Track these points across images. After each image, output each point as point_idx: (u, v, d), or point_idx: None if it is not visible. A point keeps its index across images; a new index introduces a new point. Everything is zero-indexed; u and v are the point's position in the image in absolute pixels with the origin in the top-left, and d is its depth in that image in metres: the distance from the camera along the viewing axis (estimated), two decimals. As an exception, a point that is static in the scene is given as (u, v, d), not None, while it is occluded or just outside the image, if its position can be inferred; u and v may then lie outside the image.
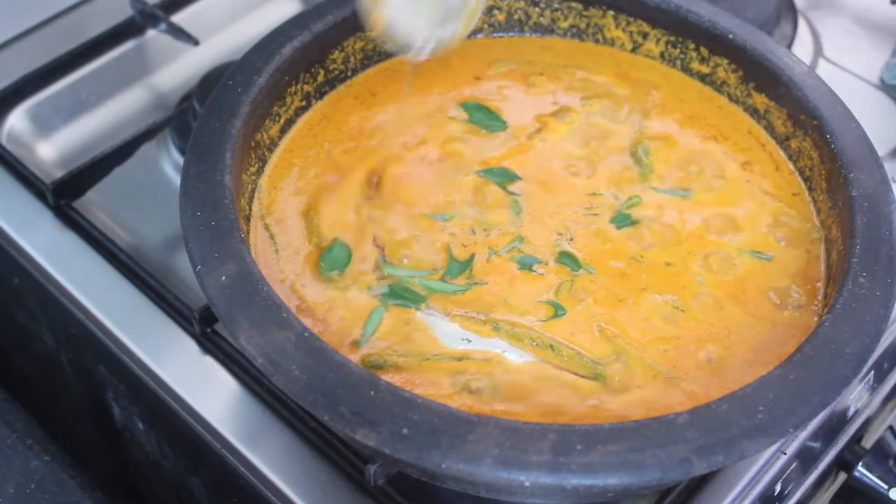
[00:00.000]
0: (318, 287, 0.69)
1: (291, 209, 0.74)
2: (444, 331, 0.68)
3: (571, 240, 0.73)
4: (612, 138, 0.80)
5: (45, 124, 0.96)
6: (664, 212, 0.75)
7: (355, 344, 0.66)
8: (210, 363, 0.77)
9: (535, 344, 0.67)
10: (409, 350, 0.66)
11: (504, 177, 0.77)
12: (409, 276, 0.70)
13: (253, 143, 0.75)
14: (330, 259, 0.71)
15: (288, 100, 0.79)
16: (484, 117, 0.81)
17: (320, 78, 0.81)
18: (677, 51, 0.84)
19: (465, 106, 0.82)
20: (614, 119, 0.81)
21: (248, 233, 0.72)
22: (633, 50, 0.86)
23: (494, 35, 0.88)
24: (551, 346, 0.67)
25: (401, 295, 0.69)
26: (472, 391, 0.64)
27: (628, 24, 0.85)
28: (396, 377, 0.64)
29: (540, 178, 0.77)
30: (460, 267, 0.71)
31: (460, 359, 0.66)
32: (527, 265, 0.71)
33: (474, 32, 0.87)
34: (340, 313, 0.68)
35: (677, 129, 0.81)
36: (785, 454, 0.72)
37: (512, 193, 0.76)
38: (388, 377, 0.63)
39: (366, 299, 0.69)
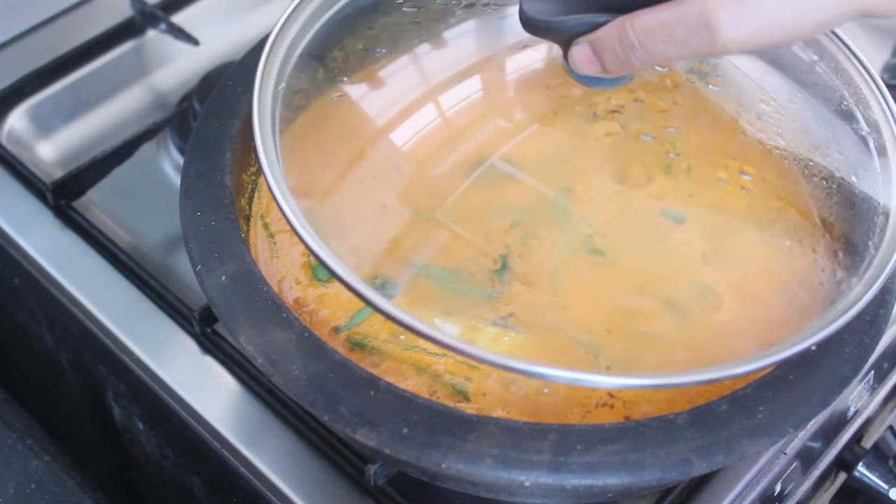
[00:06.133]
0: (316, 286, 0.69)
1: (291, 209, 0.74)
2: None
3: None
4: (610, 137, 0.80)
5: (45, 124, 0.96)
6: (663, 209, 0.75)
7: (335, 330, 0.66)
8: (210, 363, 0.77)
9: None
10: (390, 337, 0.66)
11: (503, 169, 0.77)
12: (450, 282, 0.69)
13: (253, 143, 0.75)
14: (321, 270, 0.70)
15: (288, 100, 0.79)
16: None
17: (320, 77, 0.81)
18: (677, 51, 0.84)
19: None
20: (613, 118, 0.81)
21: (248, 233, 0.72)
22: (633, 50, 0.86)
23: (494, 35, 0.88)
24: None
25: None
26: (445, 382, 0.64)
27: (628, 24, 0.85)
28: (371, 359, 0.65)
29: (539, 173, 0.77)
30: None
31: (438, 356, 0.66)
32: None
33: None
34: (334, 307, 0.68)
35: (675, 127, 0.81)
36: (785, 454, 0.72)
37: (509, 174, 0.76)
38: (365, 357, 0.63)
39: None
